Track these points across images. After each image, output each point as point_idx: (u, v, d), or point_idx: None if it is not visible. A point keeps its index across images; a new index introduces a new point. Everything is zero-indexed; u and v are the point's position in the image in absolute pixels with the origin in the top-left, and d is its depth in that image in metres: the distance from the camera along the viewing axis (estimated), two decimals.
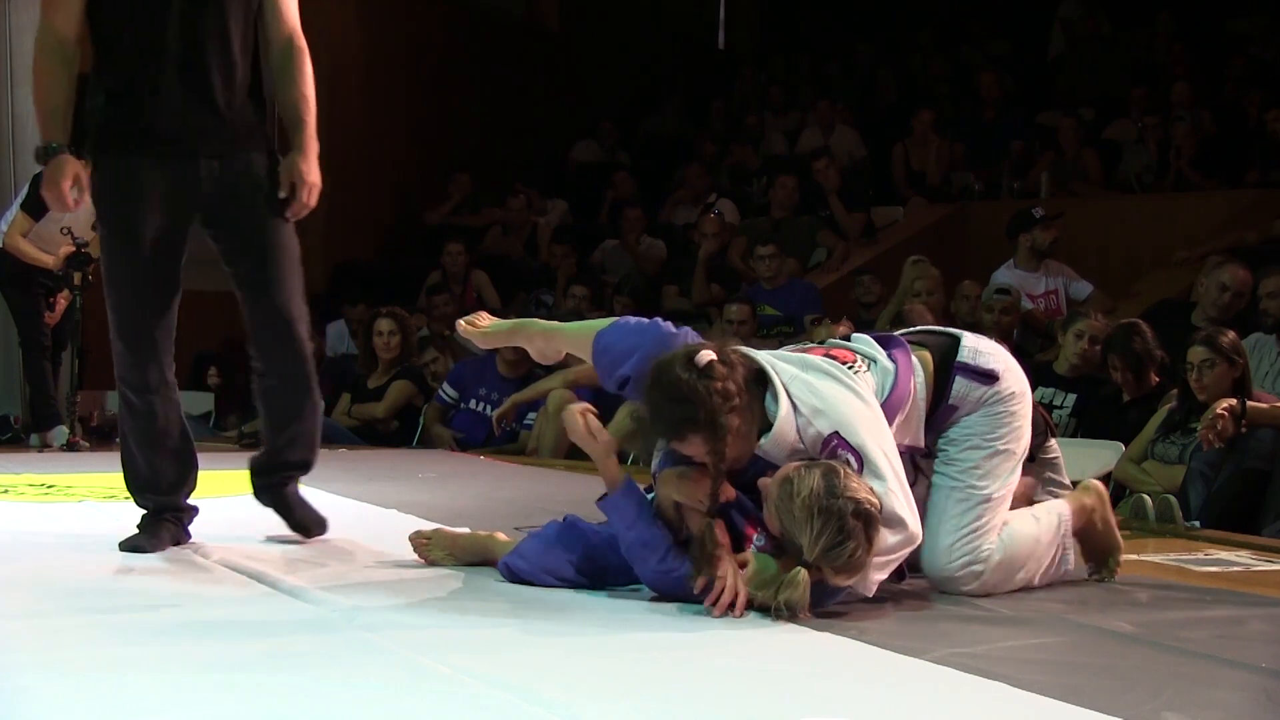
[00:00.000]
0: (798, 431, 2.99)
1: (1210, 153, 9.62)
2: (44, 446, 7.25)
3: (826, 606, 2.90)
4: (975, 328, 5.31)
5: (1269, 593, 3.41)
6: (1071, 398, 6.07)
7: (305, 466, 3.90)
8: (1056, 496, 3.57)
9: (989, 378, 3.23)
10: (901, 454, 3.11)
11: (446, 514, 4.31)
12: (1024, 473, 3.41)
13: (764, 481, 2.96)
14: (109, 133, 3.60)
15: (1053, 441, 3.81)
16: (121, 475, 3.80)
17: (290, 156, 3.62)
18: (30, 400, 7.61)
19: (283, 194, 3.62)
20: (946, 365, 3.23)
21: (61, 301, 7.49)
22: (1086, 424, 5.96)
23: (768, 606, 2.86)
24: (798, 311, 8.42)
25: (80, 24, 3.56)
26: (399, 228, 11.48)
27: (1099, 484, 3.53)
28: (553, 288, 9.61)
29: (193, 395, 6.31)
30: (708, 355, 2.95)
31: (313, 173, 3.63)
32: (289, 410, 3.81)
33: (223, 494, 4.71)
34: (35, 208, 7.09)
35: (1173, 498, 4.57)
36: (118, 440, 3.84)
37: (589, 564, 3.21)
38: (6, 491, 5.01)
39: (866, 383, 3.07)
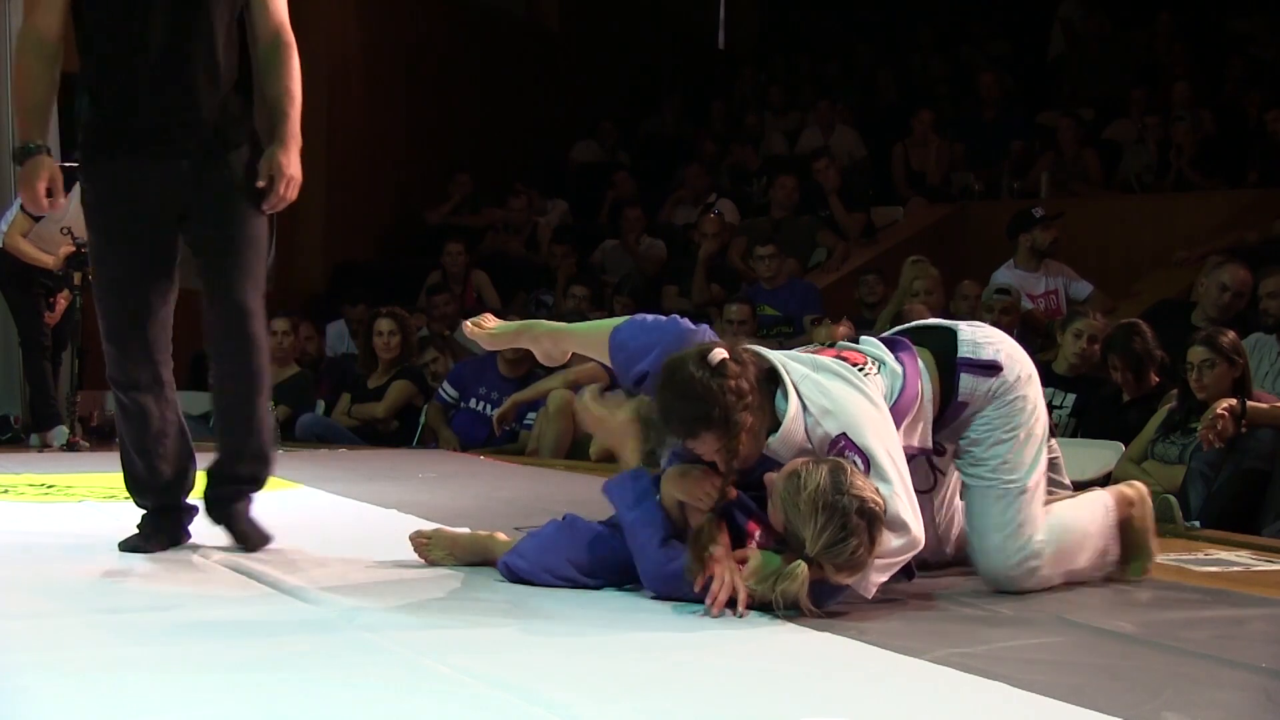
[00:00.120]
0: (806, 431, 3.00)
1: (1210, 153, 9.62)
2: (44, 446, 7.25)
3: (827, 606, 2.90)
4: None
5: (1269, 593, 3.41)
6: (1071, 397, 6.07)
7: (256, 482, 3.74)
8: (1056, 497, 3.57)
9: (992, 369, 3.24)
10: (912, 456, 3.12)
11: (446, 514, 4.31)
12: None
13: (769, 477, 2.97)
14: (93, 134, 3.58)
15: (1053, 441, 3.81)
16: (121, 475, 3.80)
17: (270, 149, 3.57)
18: (30, 400, 7.61)
19: (260, 183, 3.56)
20: (949, 363, 3.23)
21: (61, 301, 7.49)
22: (1086, 424, 5.96)
23: (768, 601, 2.86)
24: (797, 312, 8.43)
25: (63, 23, 3.54)
26: (399, 228, 11.48)
27: (1143, 486, 3.54)
28: (553, 288, 9.61)
29: (192, 395, 6.29)
30: (720, 353, 2.96)
31: (292, 165, 3.57)
32: (238, 410, 3.67)
33: None
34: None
35: (1173, 498, 4.57)
36: (117, 440, 3.83)
37: (589, 563, 3.21)
38: (6, 491, 5.00)
39: (876, 385, 3.08)
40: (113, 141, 3.56)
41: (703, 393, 2.92)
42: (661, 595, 3.07)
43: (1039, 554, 3.23)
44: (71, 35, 3.57)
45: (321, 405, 8.21)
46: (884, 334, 3.38)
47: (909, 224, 10.06)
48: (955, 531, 3.52)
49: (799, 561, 2.84)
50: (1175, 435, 5.26)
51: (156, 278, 3.61)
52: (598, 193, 11.48)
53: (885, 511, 2.88)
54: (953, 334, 3.29)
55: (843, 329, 6.54)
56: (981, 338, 3.29)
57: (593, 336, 3.53)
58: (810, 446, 3.00)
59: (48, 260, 7.25)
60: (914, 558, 3.06)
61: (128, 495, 3.81)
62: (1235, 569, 3.78)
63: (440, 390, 7.77)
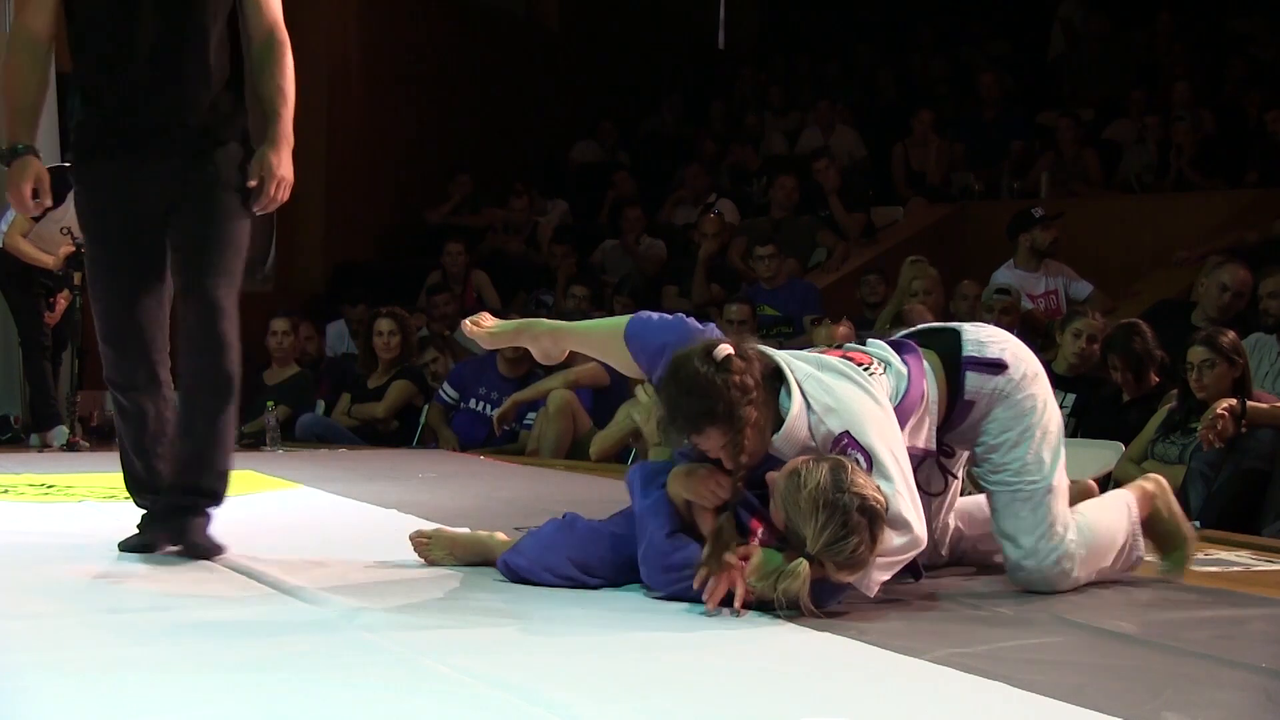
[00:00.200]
0: (809, 429, 3.01)
1: (1210, 153, 9.62)
2: (44, 446, 7.25)
3: (828, 605, 2.90)
4: None
5: (1269, 593, 3.41)
6: (1071, 397, 6.07)
7: (215, 498, 3.57)
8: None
9: (998, 367, 3.24)
10: (916, 457, 3.13)
11: (446, 514, 4.31)
12: None
13: (771, 475, 2.97)
14: (85, 135, 3.57)
15: None
16: (121, 475, 3.79)
17: (262, 149, 3.54)
18: (30, 400, 7.60)
19: (251, 183, 3.52)
20: (955, 363, 3.24)
21: (61, 301, 7.49)
22: (1086, 424, 5.95)
23: (768, 600, 2.86)
24: (797, 312, 8.43)
25: (54, 22, 3.51)
26: (399, 228, 11.48)
27: (1159, 476, 3.55)
28: (553, 288, 9.61)
29: None
30: (726, 349, 2.97)
31: (283, 166, 3.54)
32: (204, 416, 3.52)
33: None
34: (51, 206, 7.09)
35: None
36: (117, 440, 3.83)
37: (589, 561, 3.21)
38: (6, 491, 5.00)
39: (881, 386, 3.09)
40: (104, 142, 3.54)
41: (707, 387, 2.93)
42: (659, 588, 3.07)
43: (1072, 554, 3.24)
44: (64, 35, 3.55)
45: (321, 405, 8.21)
46: (889, 337, 3.39)
47: (909, 224, 10.06)
48: (950, 533, 3.53)
49: (800, 560, 2.84)
50: (1175, 435, 5.26)
51: (150, 278, 3.58)
52: (598, 193, 11.48)
53: (887, 510, 2.88)
54: (957, 334, 3.31)
55: (842, 329, 6.55)
56: (986, 337, 3.31)
57: (595, 335, 3.53)
58: (814, 444, 3.01)
59: (48, 260, 7.25)
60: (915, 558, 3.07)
61: (128, 495, 3.81)
62: (1235, 569, 3.78)
63: (440, 391, 7.77)
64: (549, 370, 7.13)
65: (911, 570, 3.10)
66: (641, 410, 3.54)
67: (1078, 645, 2.77)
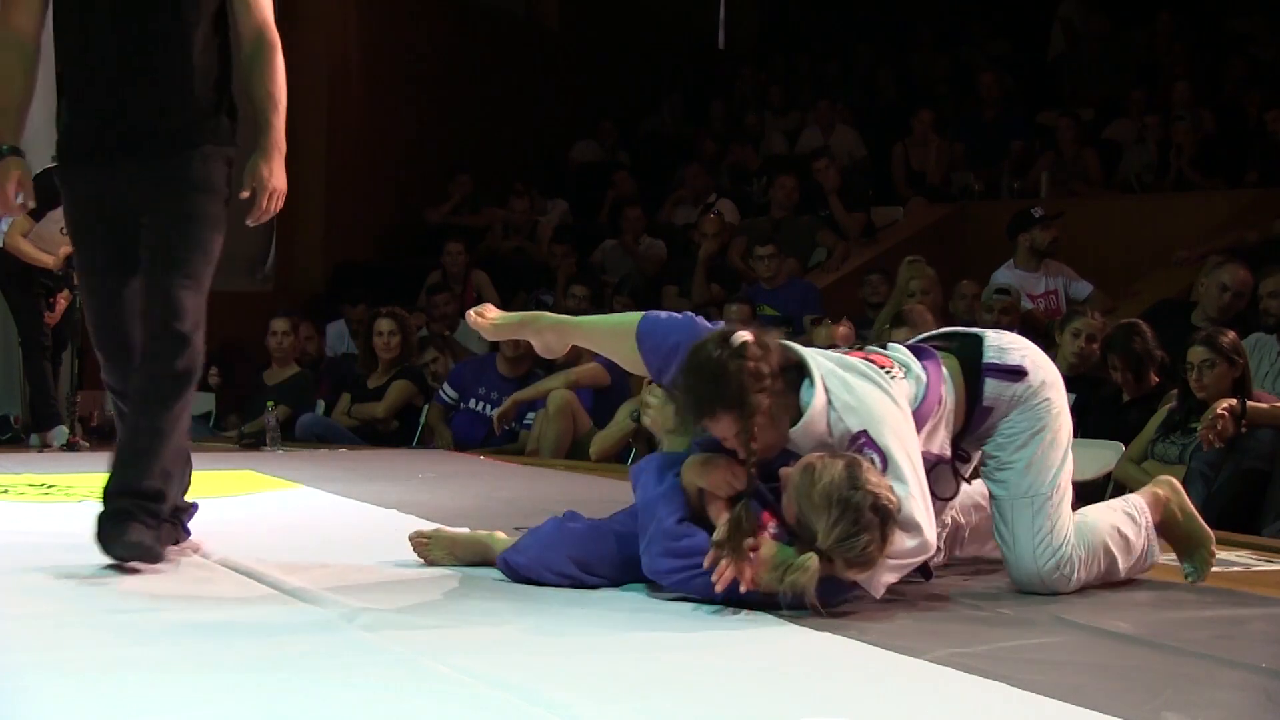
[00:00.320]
0: (828, 425, 3.01)
1: (1210, 153, 9.62)
2: (44, 446, 7.25)
3: (834, 604, 2.90)
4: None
5: (1269, 593, 3.41)
6: (1071, 397, 6.05)
7: (157, 498, 3.42)
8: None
9: (1018, 374, 3.25)
10: (931, 462, 3.13)
11: (446, 514, 4.31)
12: None
13: (785, 470, 2.97)
14: (66, 138, 3.54)
15: None
16: None
17: (254, 159, 3.47)
18: (30, 400, 7.61)
19: (243, 195, 3.47)
20: (975, 368, 3.25)
21: (61, 301, 7.49)
22: (1086, 424, 5.94)
23: (773, 593, 2.86)
24: (797, 312, 8.42)
25: (40, 23, 3.47)
26: (399, 228, 11.48)
27: (1171, 478, 3.55)
28: (553, 287, 9.61)
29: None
30: (743, 335, 2.98)
31: (275, 177, 3.47)
32: (144, 415, 3.41)
33: (223, 494, 4.72)
34: (35, 208, 7.09)
35: None
36: (117, 441, 3.82)
37: (589, 560, 3.21)
38: (6, 491, 5.00)
39: (902, 389, 3.10)
40: (88, 145, 3.50)
41: (719, 372, 2.93)
42: (660, 576, 3.06)
43: (1072, 560, 3.24)
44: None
45: (321, 405, 8.21)
46: (910, 341, 3.40)
47: (909, 224, 10.06)
48: (948, 528, 3.53)
49: (810, 554, 2.85)
50: (1175, 435, 5.26)
51: (134, 282, 3.50)
52: (598, 193, 11.47)
53: (899, 511, 2.89)
54: (979, 340, 3.31)
55: (843, 329, 6.55)
56: (1007, 343, 3.32)
57: (601, 331, 3.53)
58: (831, 441, 3.02)
59: (48, 260, 7.25)
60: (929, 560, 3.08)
61: None
62: (1235, 569, 3.77)
63: (440, 391, 7.77)
64: (549, 370, 7.13)
65: (922, 570, 3.11)
66: (655, 401, 3.52)
67: (1077, 645, 2.77)
